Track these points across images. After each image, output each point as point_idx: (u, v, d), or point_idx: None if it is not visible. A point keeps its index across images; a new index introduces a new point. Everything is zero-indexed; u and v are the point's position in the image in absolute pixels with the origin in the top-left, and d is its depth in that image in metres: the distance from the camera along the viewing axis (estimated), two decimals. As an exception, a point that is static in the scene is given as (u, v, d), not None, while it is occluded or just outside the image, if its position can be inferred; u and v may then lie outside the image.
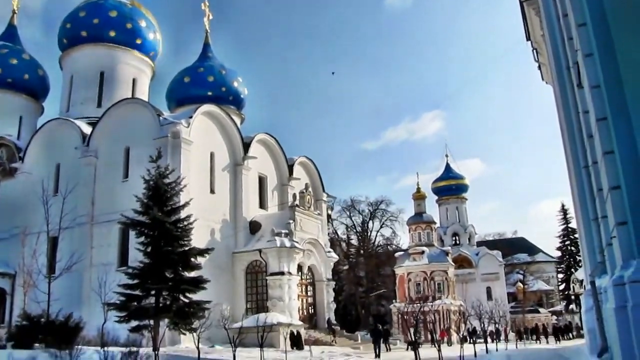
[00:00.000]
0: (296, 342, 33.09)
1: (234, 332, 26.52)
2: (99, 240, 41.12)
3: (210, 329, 24.54)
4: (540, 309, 78.45)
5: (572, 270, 75.19)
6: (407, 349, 39.71)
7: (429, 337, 41.51)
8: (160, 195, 27.39)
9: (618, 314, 10.65)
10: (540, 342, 51.42)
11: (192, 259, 27.60)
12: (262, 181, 49.67)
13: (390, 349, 33.05)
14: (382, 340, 33.77)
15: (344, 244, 79.91)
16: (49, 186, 43.39)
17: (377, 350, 32.50)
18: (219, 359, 24.68)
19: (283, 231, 43.80)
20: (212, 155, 44.52)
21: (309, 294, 48.54)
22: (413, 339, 16.67)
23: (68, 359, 15.39)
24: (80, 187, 39.29)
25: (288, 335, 30.89)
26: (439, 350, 16.45)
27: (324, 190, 56.16)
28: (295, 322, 39.74)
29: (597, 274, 15.18)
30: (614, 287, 10.80)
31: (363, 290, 76.22)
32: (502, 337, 45.11)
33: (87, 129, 45.08)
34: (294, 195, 47.39)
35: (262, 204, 49.23)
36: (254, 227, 45.67)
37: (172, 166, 30.83)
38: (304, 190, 48.16)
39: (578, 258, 75.24)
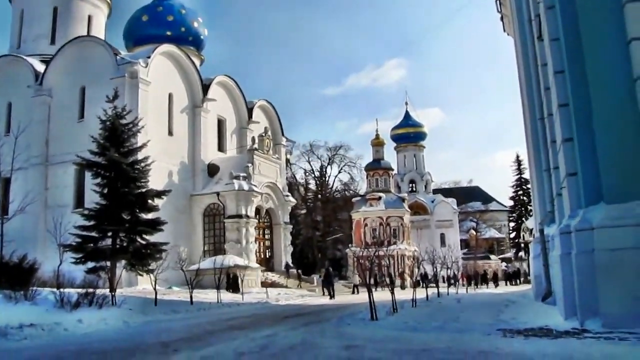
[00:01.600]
0: (233, 284, 33.66)
1: (191, 274, 26.71)
2: (54, 181, 40.33)
3: (168, 270, 24.63)
4: (492, 256, 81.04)
5: (523, 219, 77.40)
6: (353, 292, 40.81)
7: (385, 280, 42.56)
8: (117, 136, 26.90)
9: (563, 260, 11.10)
10: (489, 287, 53.33)
11: (150, 201, 27.42)
12: (221, 124, 49.20)
13: (333, 294, 34.10)
14: (329, 282, 34.83)
15: (302, 189, 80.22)
16: (0, 126, 42.13)
17: (331, 292, 33.33)
18: (176, 300, 24.90)
19: (241, 174, 43.76)
20: (170, 96, 43.74)
21: (267, 237, 48.99)
22: (368, 282, 17.04)
23: (23, 300, 15.29)
24: (33, 127, 38.11)
25: (224, 277, 31.33)
26: (392, 293, 16.92)
27: (283, 135, 55.97)
28: (253, 264, 40.19)
29: (546, 222, 15.75)
30: (561, 235, 11.20)
31: (320, 234, 77.11)
32: (454, 282, 46.55)
33: (40, 67, 43.47)
34: (253, 139, 47.15)
35: (221, 147, 48.90)
36: (213, 170, 45.49)
37: (129, 107, 30.14)
38: (263, 134, 47.95)
39: (529, 208, 77.28)
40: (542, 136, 15.17)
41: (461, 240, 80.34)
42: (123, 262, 26.10)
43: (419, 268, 37.53)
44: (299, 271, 47.72)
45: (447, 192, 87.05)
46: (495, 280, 58.72)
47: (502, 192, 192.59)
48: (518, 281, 60.04)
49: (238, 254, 40.58)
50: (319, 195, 79.49)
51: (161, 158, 39.24)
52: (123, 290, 28.13)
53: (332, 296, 33.14)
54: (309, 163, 78.81)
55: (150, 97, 40.18)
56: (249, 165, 44.82)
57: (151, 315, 18.13)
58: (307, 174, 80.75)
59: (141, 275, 27.25)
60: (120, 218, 26.09)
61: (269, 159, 48.20)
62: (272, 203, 48.19)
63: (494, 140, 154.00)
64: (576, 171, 10.56)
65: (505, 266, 79.03)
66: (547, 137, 13.79)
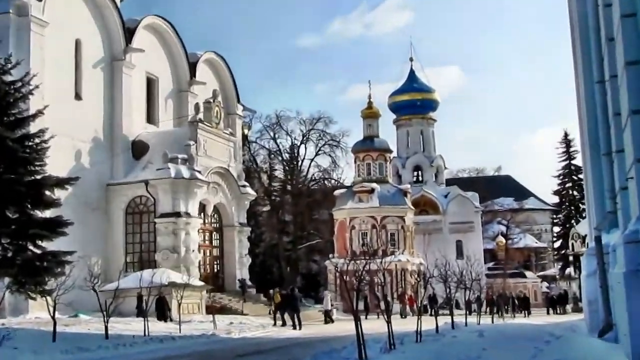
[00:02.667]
0: (161, 309, 33.68)
1: (108, 296, 26.46)
2: None
3: (73, 291, 24.33)
4: (528, 273, 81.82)
5: (573, 222, 78.19)
6: (326, 321, 41.08)
7: (377, 304, 42.56)
8: None
9: (629, 280, 11.03)
10: (526, 316, 53.78)
11: (47, 192, 27.01)
12: (151, 85, 49.04)
13: (300, 324, 34.34)
14: (293, 308, 35.15)
15: (264, 177, 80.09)
16: None
17: (296, 321, 33.83)
18: (85, 333, 24.66)
19: (180, 156, 43.55)
20: (78, 44, 43.29)
21: (215, 243, 49.01)
22: (355, 307, 17.02)
23: None
24: None
25: (155, 300, 31.30)
26: (389, 322, 16.89)
27: (238, 101, 55.79)
28: (195, 282, 40.05)
29: (605, 227, 15.72)
30: (626, 245, 11.15)
31: (290, 240, 77.12)
32: (475, 308, 46.78)
33: None
34: (197, 107, 46.92)
35: (151, 118, 48.71)
36: (139, 149, 45.29)
37: (16, 57, 29.55)
38: (211, 100, 47.76)
39: (581, 206, 78.24)
40: (601, 107, 15.14)
41: (485, 251, 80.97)
42: (6, 280, 25.72)
43: (425, 288, 37.58)
44: (260, 293, 47.77)
45: (466, 184, 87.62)
46: (527, 306, 59.31)
47: (543, 185, 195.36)
48: (565, 308, 60.66)
49: (174, 268, 40.40)
50: (289, 187, 79.46)
51: (65, 132, 38.79)
52: (6, 321, 27.82)
53: (297, 326, 33.45)
54: (275, 141, 78.81)
55: (47, 45, 39.66)
56: (191, 143, 44.62)
57: (47, 355, 17.91)
58: (272, 156, 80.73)
59: (33, 298, 26.89)
60: (2, 216, 25.70)
61: (219, 134, 48.06)
62: (222, 196, 48.16)
63: (533, 113, 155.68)
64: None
65: (547, 287, 79.91)
66: (609, 107, 13.74)
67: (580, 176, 73.23)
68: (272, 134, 78.43)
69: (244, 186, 50.90)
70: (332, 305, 45.32)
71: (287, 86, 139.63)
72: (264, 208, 78.61)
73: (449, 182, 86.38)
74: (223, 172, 47.89)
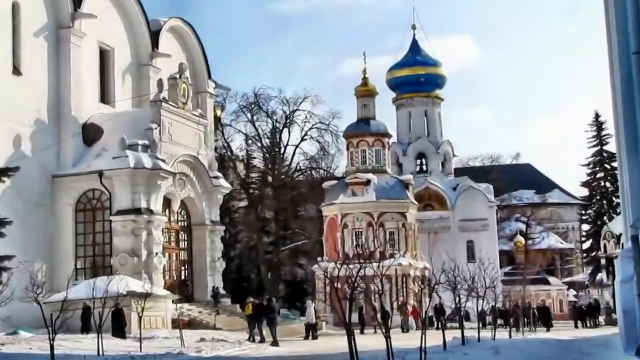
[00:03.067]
0: (118, 324, 33.67)
1: (54, 309, 26.28)
2: None
3: (12, 303, 24.23)
4: (551, 279, 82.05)
5: (605, 218, 78.36)
6: (307, 336, 41.36)
7: (374, 316, 42.52)
8: None
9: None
10: (547, 329, 53.97)
11: (-19, 186, 26.90)
12: (105, 58, 48.89)
13: (276, 340, 34.63)
14: (270, 321, 35.59)
15: (241, 166, 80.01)
16: None
17: (273, 336, 34.45)
18: (25, 354, 24.55)
19: (140, 142, 43.42)
20: (15, 9, 43.10)
21: (182, 245, 49.00)
22: (348, 319, 17.05)
23: None
24: None
25: (110, 313, 31.31)
26: (388, 337, 16.92)
27: (210, 77, 55.60)
28: (159, 291, 39.92)
29: (644, 224, 15.69)
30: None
31: (271, 240, 77.07)
32: (489, 320, 46.96)
33: None
34: (160, 83, 46.73)
35: (106, 97, 48.63)
36: (92, 134, 45.17)
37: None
38: (177, 76, 47.60)
39: (615, 200, 78.37)
40: (638, 83, 15.16)
41: (501, 253, 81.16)
42: None
43: (431, 297, 37.66)
44: (237, 304, 47.81)
45: (478, 174, 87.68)
46: (547, 317, 59.49)
47: (570, 174, 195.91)
48: (596, 321, 60.86)
49: (134, 274, 40.34)
50: (270, 178, 79.36)
51: (1, 114, 38.60)
52: None
53: (274, 342, 33.88)
54: (254, 125, 78.57)
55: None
56: (153, 126, 44.49)
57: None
58: (249, 142, 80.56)
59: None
60: None
61: (187, 116, 47.96)
62: (191, 190, 48.06)
63: (558, 91, 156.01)
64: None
65: (575, 296, 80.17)
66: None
67: (614, 164, 73.30)
68: (249, 115, 78.25)
69: (216, 177, 50.73)
70: (317, 317, 45.34)
71: (267, 60, 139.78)
72: (240, 203, 78.47)
73: (459, 172, 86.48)
74: (192, 161, 47.69)
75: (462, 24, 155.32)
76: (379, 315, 45.03)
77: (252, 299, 40.15)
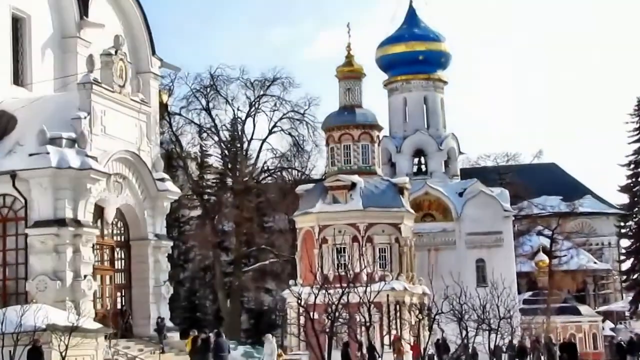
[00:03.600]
0: None
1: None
2: None
3: None
4: (582, 308, 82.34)
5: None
6: None
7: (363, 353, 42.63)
8: None
9: None
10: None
11: None
12: (20, 28, 48.55)
13: None
14: None
15: (194, 166, 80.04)
16: None
17: None
18: None
19: (65, 135, 43.21)
20: None
21: (119, 265, 48.79)
22: (326, 357, 17.10)
23: None
24: None
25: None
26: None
27: (154, 54, 55.41)
28: (89, 324, 39.83)
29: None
30: None
31: (231, 259, 77.19)
32: (506, 358, 47.20)
33: None
34: (90, 61, 46.53)
35: (20, 78, 48.31)
36: (2, 124, 44.84)
37: None
38: (113, 52, 47.43)
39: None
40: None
41: (519, 275, 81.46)
42: None
43: (431, 329, 37.86)
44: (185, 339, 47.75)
45: (491, 176, 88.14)
46: (574, 356, 59.76)
47: (605, 177, 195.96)
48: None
49: (56, 303, 40.12)
50: (229, 180, 79.38)
51: None
52: None
53: None
54: (209, 113, 78.58)
55: None
56: (82, 115, 44.23)
57: None
58: (204, 135, 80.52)
59: None
60: None
61: (125, 103, 47.80)
62: (130, 196, 47.91)
63: (590, 74, 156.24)
64: None
65: (612, 329, 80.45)
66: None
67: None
68: (204, 102, 78.32)
69: (162, 180, 50.53)
70: (280, 355, 45.47)
71: (227, 32, 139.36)
72: (192, 212, 78.60)
73: (467, 173, 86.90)
74: (131, 159, 47.45)
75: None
76: (366, 353, 45.26)
77: (194, 333, 40.06)
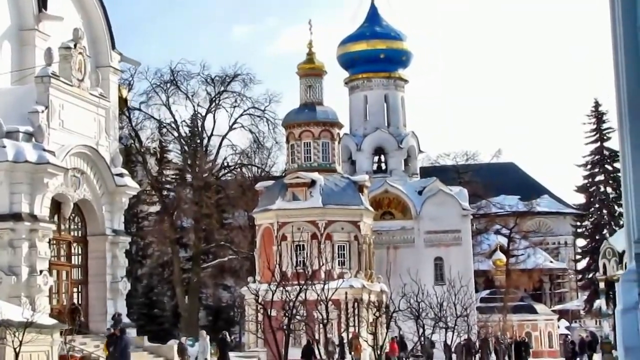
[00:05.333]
0: None
1: None
2: None
3: None
4: (539, 306, 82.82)
5: (605, 232, 79.25)
6: None
7: (319, 351, 42.64)
8: None
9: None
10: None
11: None
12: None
13: None
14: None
15: (153, 161, 79.76)
16: None
17: None
18: None
19: (21, 129, 43.02)
20: None
21: (76, 261, 48.62)
22: (283, 356, 17.00)
23: None
24: None
25: None
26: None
27: (114, 48, 55.13)
28: (44, 319, 39.53)
29: (651, 240, 15.82)
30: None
31: (189, 255, 76.97)
32: (463, 356, 47.33)
33: None
34: (49, 54, 46.27)
35: (-24, 70, 47.65)
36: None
37: None
38: (71, 45, 47.19)
39: (618, 209, 79.37)
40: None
41: (477, 273, 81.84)
42: None
43: (388, 327, 37.89)
44: (145, 335, 47.54)
45: (450, 175, 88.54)
46: (523, 354, 60.10)
47: (563, 177, 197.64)
48: (592, 358, 61.43)
49: (11, 298, 39.85)
50: (189, 176, 79.20)
51: None
52: None
53: None
54: (169, 109, 78.41)
55: None
56: (39, 109, 44.08)
57: None
58: (164, 131, 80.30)
59: None
60: None
61: (84, 97, 47.60)
62: (88, 190, 47.65)
63: (549, 74, 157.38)
64: None
65: (567, 327, 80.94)
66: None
67: (617, 165, 74.22)
68: (164, 97, 78.10)
69: (120, 175, 50.32)
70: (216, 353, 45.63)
71: (188, 27, 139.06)
72: (151, 208, 78.34)
73: (426, 172, 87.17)
74: (89, 154, 47.24)
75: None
76: (324, 350, 45.30)
77: (110, 330, 40.13)
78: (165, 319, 77.05)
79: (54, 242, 45.37)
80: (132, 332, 48.46)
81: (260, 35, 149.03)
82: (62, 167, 44.18)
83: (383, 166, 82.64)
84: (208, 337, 45.44)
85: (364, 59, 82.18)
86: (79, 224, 48.75)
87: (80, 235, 48.82)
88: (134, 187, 52.61)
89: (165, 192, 79.07)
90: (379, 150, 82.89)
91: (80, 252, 48.86)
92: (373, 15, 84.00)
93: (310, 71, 66.88)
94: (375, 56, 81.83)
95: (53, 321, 40.62)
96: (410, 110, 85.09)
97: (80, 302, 48.04)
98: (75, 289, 48.61)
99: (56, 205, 45.45)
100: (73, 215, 47.59)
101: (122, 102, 60.13)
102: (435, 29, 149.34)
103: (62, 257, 47.29)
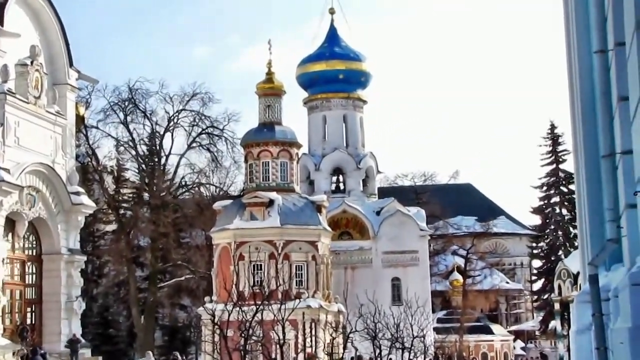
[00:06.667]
0: None
1: None
2: None
3: None
4: (495, 327, 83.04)
5: (560, 253, 79.73)
6: None
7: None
8: None
9: (636, 339, 11.33)
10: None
11: None
12: None
13: None
14: None
15: (110, 180, 79.33)
16: None
17: None
18: None
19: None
20: None
21: (29, 280, 48.24)
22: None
23: None
24: None
25: None
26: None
27: (71, 65, 54.90)
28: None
29: (604, 262, 16.04)
30: (633, 287, 11.46)
31: (146, 275, 76.55)
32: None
33: None
34: (5, 71, 46.07)
35: None
36: None
37: None
38: (28, 62, 47.01)
39: (573, 230, 79.88)
40: (602, 87, 15.51)
41: (434, 294, 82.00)
42: None
43: (345, 347, 37.90)
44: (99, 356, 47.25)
45: (408, 196, 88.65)
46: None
47: (519, 198, 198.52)
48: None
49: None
50: (146, 195, 78.84)
51: None
52: None
53: None
54: (127, 127, 78.00)
55: None
56: (-6, 126, 43.83)
57: None
58: (121, 149, 79.90)
59: None
60: None
61: (40, 115, 47.44)
62: (43, 209, 47.33)
63: (506, 97, 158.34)
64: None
65: (523, 348, 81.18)
66: (613, 89, 14.07)
67: (572, 187, 74.84)
68: (122, 116, 77.73)
69: (77, 193, 50.09)
70: None
71: (147, 45, 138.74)
72: (107, 227, 77.86)
73: (384, 192, 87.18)
74: (45, 172, 46.99)
75: (394, 8, 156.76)
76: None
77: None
78: (121, 339, 76.65)
79: (8, 260, 44.99)
80: (86, 353, 48.22)
81: (220, 55, 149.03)
82: (16, 185, 43.87)
83: (341, 186, 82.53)
84: (154, 357, 45.14)
85: (323, 79, 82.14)
86: (34, 242, 48.36)
87: (34, 254, 48.40)
88: (90, 206, 52.33)
89: (122, 211, 78.57)
90: (337, 171, 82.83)
91: (34, 271, 48.43)
92: (332, 36, 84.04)
93: (269, 91, 66.88)
94: (335, 77, 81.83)
95: (6, 342, 40.44)
96: (369, 131, 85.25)
97: (34, 322, 47.64)
98: (29, 309, 48.21)
99: (10, 224, 45.06)
100: (28, 233, 47.25)
101: (80, 119, 59.84)
102: (395, 50, 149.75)
103: (15, 276, 46.87)
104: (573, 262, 44.78)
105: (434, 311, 77.86)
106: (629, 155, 12.93)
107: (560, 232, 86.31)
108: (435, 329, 70.93)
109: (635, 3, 11.16)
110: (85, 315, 51.77)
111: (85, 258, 52.45)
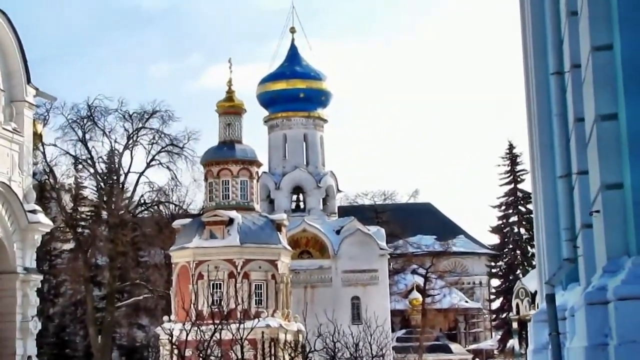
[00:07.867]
0: None
1: None
2: None
3: None
4: (454, 346, 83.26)
5: (518, 273, 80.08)
6: None
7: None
8: None
9: (592, 358, 11.45)
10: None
11: None
12: None
13: None
14: None
15: (67, 198, 78.87)
16: None
17: None
18: None
19: None
20: None
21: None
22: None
23: None
24: None
25: None
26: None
27: (29, 82, 54.73)
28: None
29: (561, 281, 16.18)
30: (589, 307, 11.58)
31: (103, 294, 76.08)
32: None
33: None
34: (-40, 88, 45.90)
35: None
36: None
37: None
38: (-15, 80, 46.78)
39: (530, 250, 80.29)
40: (558, 109, 15.68)
41: (393, 313, 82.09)
42: None
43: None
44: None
45: (368, 215, 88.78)
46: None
47: (478, 218, 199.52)
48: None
49: None
50: (104, 214, 78.44)
51: None
52: None
53: None
54: (85, 145, 77.68)
55: None
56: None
57: None
58: (80, 167, 79.50)
59: None
60: None
61: (-4, 132, 47.00)
62: None
63: (466, 116, 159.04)
64: (622, 180, 10.94)
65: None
66: (569, 110, 14.24)
67: (530, 207, 75.18)
68: (80, 133, 77.38)
69: (33, 212, 49.73)
70: None
71: (107, 63, 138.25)
72: (64, 245, 77.36)
73: (344, 211, 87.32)
74: (1, 190, 46.70)
75: (354, 28, 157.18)
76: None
77: None
78: (77, 359, 76.14)
79: (-38, 280, 44.64)
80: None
81: (182, 73, 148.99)
82: (-28, 204, 43.60)
83: (301, 205, 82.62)
84: None
85: (283, 98, 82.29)
86: (-11, 262, 47.97)
87: (-12, 273, 47.99)
88: (47, 224, 51.92)
89: (79, 229, 78.11)
90: (297, 189, 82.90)
91: (-12, 291, 48.02)
92: (293, 55, 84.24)
93: (230, 109, 66.86)
94: (295, 95, 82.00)
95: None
96: (329, 150, 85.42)
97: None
98: (-13, 328, 47.86)
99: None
100: (-19, 253, 46.86)
101: (37, 137, 59.48)
102: (355, 69, 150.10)
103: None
104: (531, 281, 45.00)
105: (393, 330, 77.93)
106: (584, 175, 13.08)
107: (518, 252, 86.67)
108: (394, 348, 71.00)
109: (590, 25, 11.33)
110: (41, 336, 51.28)
111: (41, 277, 51.94)
